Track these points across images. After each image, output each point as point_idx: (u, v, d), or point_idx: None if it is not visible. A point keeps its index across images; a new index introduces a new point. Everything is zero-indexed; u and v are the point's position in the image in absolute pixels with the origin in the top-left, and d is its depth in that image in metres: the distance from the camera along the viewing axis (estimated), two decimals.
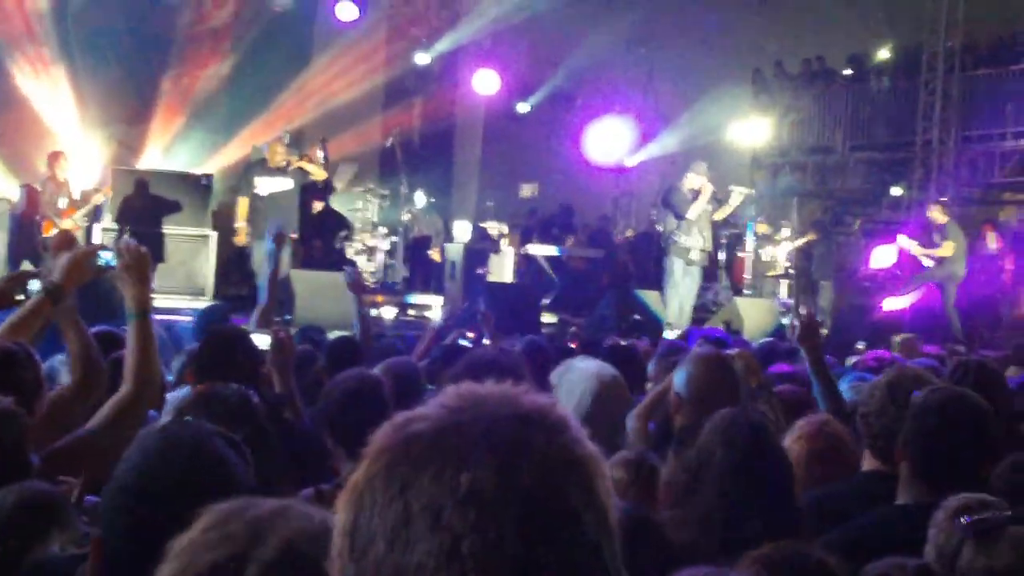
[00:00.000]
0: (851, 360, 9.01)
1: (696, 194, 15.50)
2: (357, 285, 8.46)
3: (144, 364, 3.94)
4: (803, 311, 5.97)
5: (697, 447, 3.37)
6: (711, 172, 15.94)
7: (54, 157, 16.14)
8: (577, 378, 4.65)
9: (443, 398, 1.46)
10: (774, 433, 3.62)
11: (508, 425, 1.40)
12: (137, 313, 3.98)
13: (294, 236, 15.49)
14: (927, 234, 17.48)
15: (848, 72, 25.45)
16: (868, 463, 4.12)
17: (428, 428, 1.41)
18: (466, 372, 4.37)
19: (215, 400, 3.70)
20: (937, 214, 17.17)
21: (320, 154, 16.89)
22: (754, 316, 15.40)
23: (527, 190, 25.79)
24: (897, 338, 10.35)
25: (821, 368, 5.43)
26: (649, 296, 15.99)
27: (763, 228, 20.93)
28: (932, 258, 16.98)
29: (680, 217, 15.48)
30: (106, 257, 4.20)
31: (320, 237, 18.44)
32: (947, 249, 16.60)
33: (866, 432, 4.12)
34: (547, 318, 16.75)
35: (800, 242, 20.05)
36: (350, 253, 18.80)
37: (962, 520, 2.91)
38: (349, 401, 4.54)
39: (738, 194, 16.34)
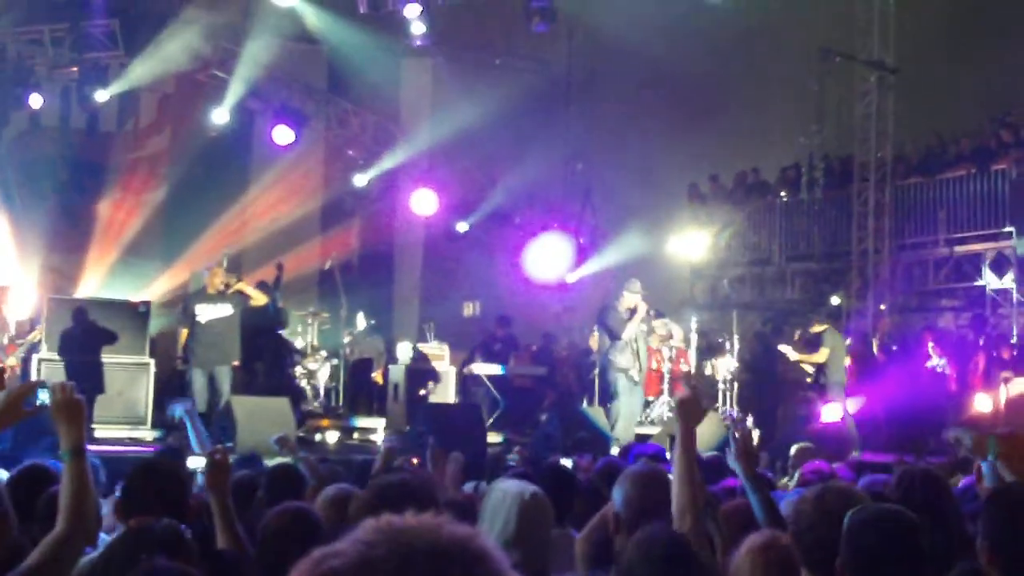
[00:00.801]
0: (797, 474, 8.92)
1: (632, 313, 15.55)
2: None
3: (79, 502, 3.88)
4: (739, 430, 5.91)
5: (618, 568, 3.34)
6: (649, 287, 16.04)
7: (0, 292, 15.89)
8: (500, 499, 4.59)
9: (360, 532, 1.43)
10: (693, 546, 3.58)
11: (423, 560, 1.37)
12: (71, 452, 3.93)
13: (236, 364, 15.41)
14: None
15: (782, 184, 25.77)
16: None
17: (342, 565, 1.38)
18: (375, 499, 4.31)
19: (146, 535, 3.64)
20: (814, 326, 17.32)
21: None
22: (700, 429, 15.29)
23: (469, 309, 25.80)
24: (793, 449, 10.22)
25: (757, 484, 5.36)
26: (595, 412, 15.93)
27: (702, 343, 20.98)
28: (810, 364, 17.07)
29: (616, 338, 15.49)
30: (42, 397, 4.11)
31: (264, 362, 18.21)
32: (821, 356, 16.72)
33: (799, 548, 4.07)
34: (492, 437, 16.64)
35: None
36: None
37: None
38: (281, 537, 4.49)
39: (673, 333, 16.50)
